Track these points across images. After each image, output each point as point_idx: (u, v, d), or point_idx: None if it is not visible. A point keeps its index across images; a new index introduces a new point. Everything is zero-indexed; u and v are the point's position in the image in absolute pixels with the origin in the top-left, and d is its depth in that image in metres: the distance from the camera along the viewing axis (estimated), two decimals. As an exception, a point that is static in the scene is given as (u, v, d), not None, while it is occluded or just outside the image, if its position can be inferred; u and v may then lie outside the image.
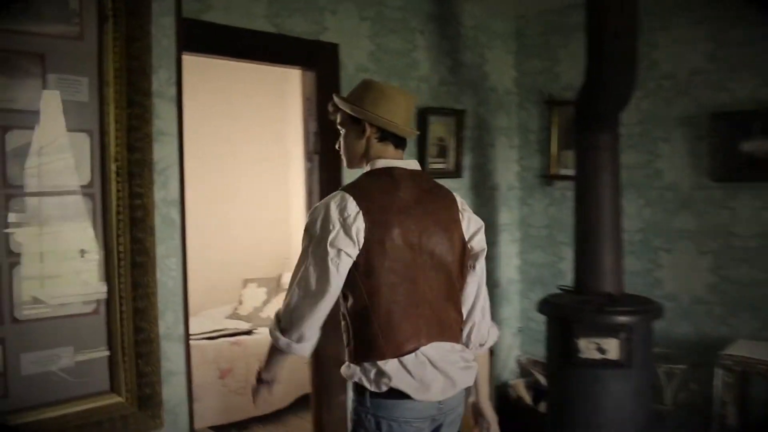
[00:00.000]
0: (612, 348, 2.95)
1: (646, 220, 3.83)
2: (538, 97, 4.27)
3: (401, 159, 2.02)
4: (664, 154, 3.76)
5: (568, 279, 3.66)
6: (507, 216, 4.38)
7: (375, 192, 1.89)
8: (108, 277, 1.87)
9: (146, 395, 1.92)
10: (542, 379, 4.07)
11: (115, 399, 1.87)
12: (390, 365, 1.80)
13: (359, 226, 1.80)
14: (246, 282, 5.45)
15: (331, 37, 3.46)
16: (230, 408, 4.39)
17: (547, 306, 3.25)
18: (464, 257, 1.99)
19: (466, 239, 2.02)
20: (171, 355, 2.02)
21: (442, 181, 3.94)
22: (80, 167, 1.82)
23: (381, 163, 1.99)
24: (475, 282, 2.03)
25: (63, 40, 1.79)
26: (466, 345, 2.00)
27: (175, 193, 2.01)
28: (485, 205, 4.25)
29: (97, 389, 1.87)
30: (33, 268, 1.79)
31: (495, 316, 4.33)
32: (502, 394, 4.14)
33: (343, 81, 3.50)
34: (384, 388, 1.80)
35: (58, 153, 1.82)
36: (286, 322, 1.84)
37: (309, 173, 3.53)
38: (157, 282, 1.97)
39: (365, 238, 1.80)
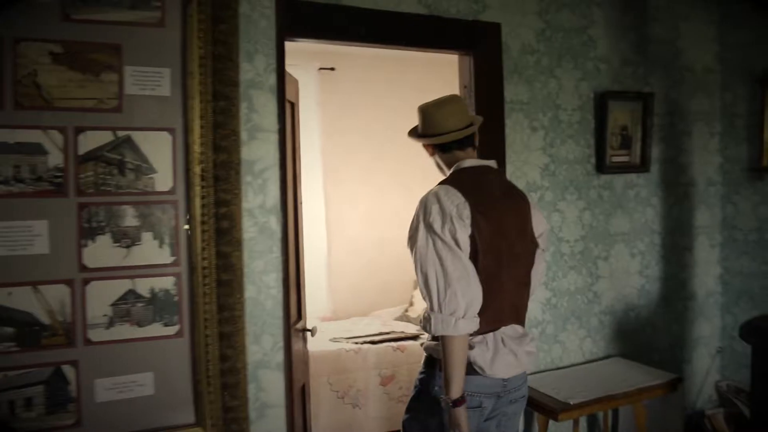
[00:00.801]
0: None
1: None
2: (748, 75, 3.44)
3: (475, 157, 2.15)
4: None
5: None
6: (706, 216, 3.60)
7: (471, 186, 1.98)
8: (192, 296, 1.58)
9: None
10: (748, 412, 3.28)
11: (198, 433, 1.59)
12: (474, 341, 1.92)
13: (467, 213, 1.90)
14: (416, 282, 5.11)
15: (492, 16, 2.98)
16: (393, 416, 4.06)
17: (754, 332, 2.54)
18: (534, 250, 2.12)
19: (536, 235, 2.13)
20: (268, 385, 1.71)
21: (625, 177, 3.34)
22: (162, 171, 1.54)
23: (467, 163, 2.09)
24: (537, 273, 2.16)
25: (142, 27, 1.52)
26: None
27: (274, 199, 1.68)
28: (678, 204, 3.52)
29: (181, 421, 1.60)
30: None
31: (689, 334, 3.62)
32: (695, 425, 3.42)
33: (506, 65, 3.00)
34: None
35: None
36: (460, 309, 1.86)
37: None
38: (253, 302, 1.65)
39: (471, 226, 1.90)
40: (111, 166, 1.52)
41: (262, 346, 1.69)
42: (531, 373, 3.04)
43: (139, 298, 1.54)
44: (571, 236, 3.20)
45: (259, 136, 1.66)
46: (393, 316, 4.96)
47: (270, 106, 1.66)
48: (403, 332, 4.36)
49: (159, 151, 1.54)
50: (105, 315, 1.52)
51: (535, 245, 2.11)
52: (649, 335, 3.43)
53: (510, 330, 1.99)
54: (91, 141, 1.51)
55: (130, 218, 1.53)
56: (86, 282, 1.50)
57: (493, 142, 2.96)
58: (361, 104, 5.01)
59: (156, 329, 1.57)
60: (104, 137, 1.52)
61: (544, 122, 3.11)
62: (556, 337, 3.18)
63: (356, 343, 4.11)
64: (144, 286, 1.54)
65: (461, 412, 1.84)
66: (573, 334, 3.22)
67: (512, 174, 3.02)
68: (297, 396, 3.35)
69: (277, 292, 1.69)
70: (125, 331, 1.54)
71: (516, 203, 2.07)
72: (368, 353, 4.08)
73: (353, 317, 4.87)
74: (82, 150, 1.50)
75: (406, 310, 5.04)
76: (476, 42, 2.96)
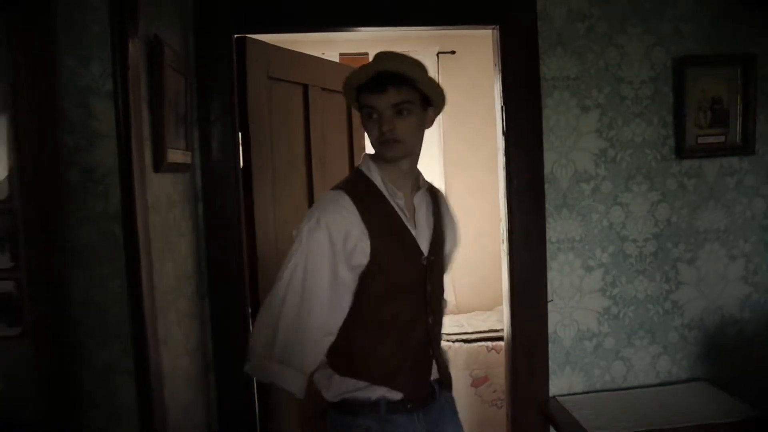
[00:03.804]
0: None
1: None
2: None
3: None
4: None
5: None
6: None
7: None
8: (33, 300, 1.62)
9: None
10: None
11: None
12: None
13: None
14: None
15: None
16: (484, 421, 3.78)
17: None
18: None
19: None
20: (120, 390, 1.68)
21: (720, 161, 2.66)
22: (-4, 178, 1.60)
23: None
24: None
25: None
26: None
27: (116, 205, 1.63)
28: (802, 195, 2.71)
29: (28, 419, 1.64)
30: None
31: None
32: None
33: (546, 36, 2.58)
34: None
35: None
36: None
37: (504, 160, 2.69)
38: (99, 307, 1.65)
39: None
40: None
41: (111, 351, 1.67)
42: (577, 393, 2.61)
43: (-15, 300, 1.62)
44: (638, 234, 2.65)
45: (98, 142, 1.63)
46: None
47: (108, 112, 1.61)
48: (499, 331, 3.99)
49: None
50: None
51: None
52: (756, 358, 2.71)
53: None
54: None
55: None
56: None
57: (525, 127, 2.57)
58: (485, 88, 4.66)
59: (0, 330, 1.63)
60: None
61: (599, 100, 2.61)
62: (618, 353, 2.67)
63: (448, 340, 3.87)
64: (-12, 289, 1.62)
65: None
66: (642, 350, 2.67)
67: (555, 162, 2.59)
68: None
69: (122, 297, 1.65)
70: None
71: None
72: (458, 351, 3.82)
73: (476, 311, 4.59)
74: None
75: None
76: (503, 14, 2.57)
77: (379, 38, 4.43)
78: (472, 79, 4.63)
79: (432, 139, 4.50)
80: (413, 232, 1.75)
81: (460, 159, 4.78)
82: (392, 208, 1.72)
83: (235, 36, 2.49)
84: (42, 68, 1.58)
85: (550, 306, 2.59)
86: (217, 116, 2.40)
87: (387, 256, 1.68)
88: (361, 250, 1.65)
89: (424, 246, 1.77)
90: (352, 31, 2.65)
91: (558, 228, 2.60)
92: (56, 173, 1.61)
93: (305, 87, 2.90)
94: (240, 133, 2.48)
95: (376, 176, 1.74)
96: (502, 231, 2.63)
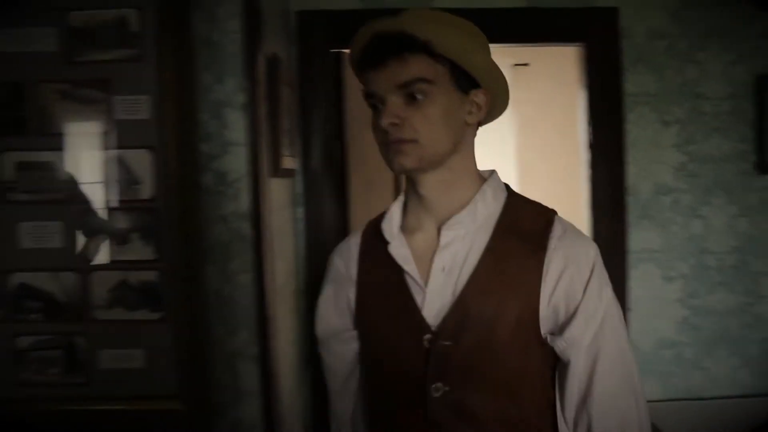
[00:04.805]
0: None
1: None
2: None
3: None
4: None
5: None
6: None
7: None
8: (172, 288, 1.87)
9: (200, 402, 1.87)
10: None
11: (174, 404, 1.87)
12: None
13: None
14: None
15: (608, 1, 2.72)
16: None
17: None
18: None
19: None
20: (244, 374, 1.91)
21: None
22: (145, 182, 1.85)
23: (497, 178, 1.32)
24: None
25: (125, 63, 1.84)
26: None
27: (246, 206, 1.86)
28: None
29: (164, 393, 1.88)
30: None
31: None
32: None
33: (628, 53, 2.73)
34: None
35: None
36: None
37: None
38: (229, 299, 1.88)
39: None
40: (107, 179, 1.88)
41: (239, 339, 1.89)
42: (655, 400, 2.73)
43: (131, 287, 1.87)
44: (718, 247, 2.76)
45: (231, 149, 1.86)
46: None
47: (240, 123, 1.85)
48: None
49: (142, 166, 1.85)
50: (104, 299, 1.87)
51: None
52: None
53: None
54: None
55: (121, 221, 1.87)
56: (90, 271, 1.88)
57: (609, 140, 2.73)
58: (558, 100, 4.83)
59: (144, 314, 1.88)
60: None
61: (679, 115, 2.74)
62: (697, 363, 2.77)
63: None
64: (134, 277, 1.86)
65: None
66: (722, 362, 2.77)
67: (636, 174, 2.74)
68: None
69: (250, 290, 1.88)
70: (120, 313, 1.87)
71: None
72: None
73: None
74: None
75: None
76: (587, 31, 2.74)
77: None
78: (544, 91, 4.79)
79: (505, 149, 4.66)
80: (418, 291, 1.16)
81: (533, 170, 4.95)
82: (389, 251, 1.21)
83: (331, 51, 2.71)
84: (183, 84, 1.83)
85: (629, 315, 2.72)
86: (318, 125, 2.63)
87: (372, 322, 1.24)
88: (351, 303, 1.29)
89: (435, 315, 1.14)
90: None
91: (639, 238, 2.73)
92: (194, 177, 1.85)
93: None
94: (338, 142, 2.70)
95: (394, 205, 1.26)
96: (583, 240, 2.78)
